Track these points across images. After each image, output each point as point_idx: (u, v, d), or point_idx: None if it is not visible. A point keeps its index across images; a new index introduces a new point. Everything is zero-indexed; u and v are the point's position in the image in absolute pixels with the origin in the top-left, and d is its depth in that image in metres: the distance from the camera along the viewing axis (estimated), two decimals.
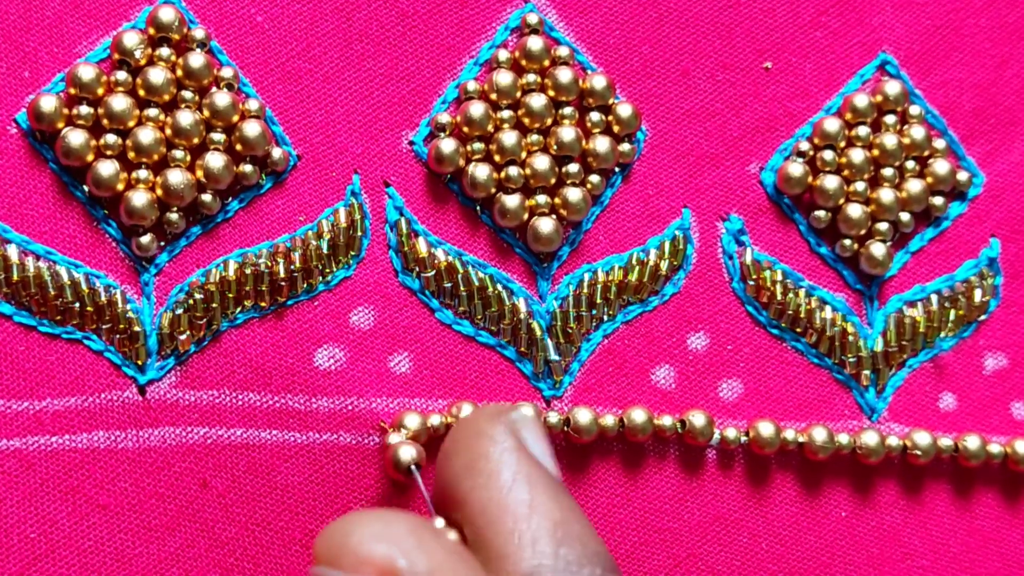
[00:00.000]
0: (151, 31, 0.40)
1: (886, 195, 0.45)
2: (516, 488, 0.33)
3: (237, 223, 0.40)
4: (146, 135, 0.39)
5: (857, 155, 0.45)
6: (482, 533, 0.33)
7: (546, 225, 0.42)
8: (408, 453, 0.38)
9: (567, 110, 0.42)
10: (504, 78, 0.42)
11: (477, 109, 0.41)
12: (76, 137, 0.38)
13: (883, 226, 0.45)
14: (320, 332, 0.40)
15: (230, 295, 0.40)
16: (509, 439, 0.35)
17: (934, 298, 0.46)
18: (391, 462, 0.38)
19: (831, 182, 0.44)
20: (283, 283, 0.40)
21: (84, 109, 0.39)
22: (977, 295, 0.46)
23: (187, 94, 0.40)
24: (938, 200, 0.46)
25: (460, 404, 0.40)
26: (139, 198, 0.39)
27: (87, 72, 0.39)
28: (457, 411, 0.40)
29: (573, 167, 0.42)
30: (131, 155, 0.39)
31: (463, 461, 0.34)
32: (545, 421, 0.40)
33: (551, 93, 0.42)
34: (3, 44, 0.39)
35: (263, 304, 0.40)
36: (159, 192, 0.39)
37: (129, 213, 0.39)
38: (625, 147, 0.43)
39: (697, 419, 0.42)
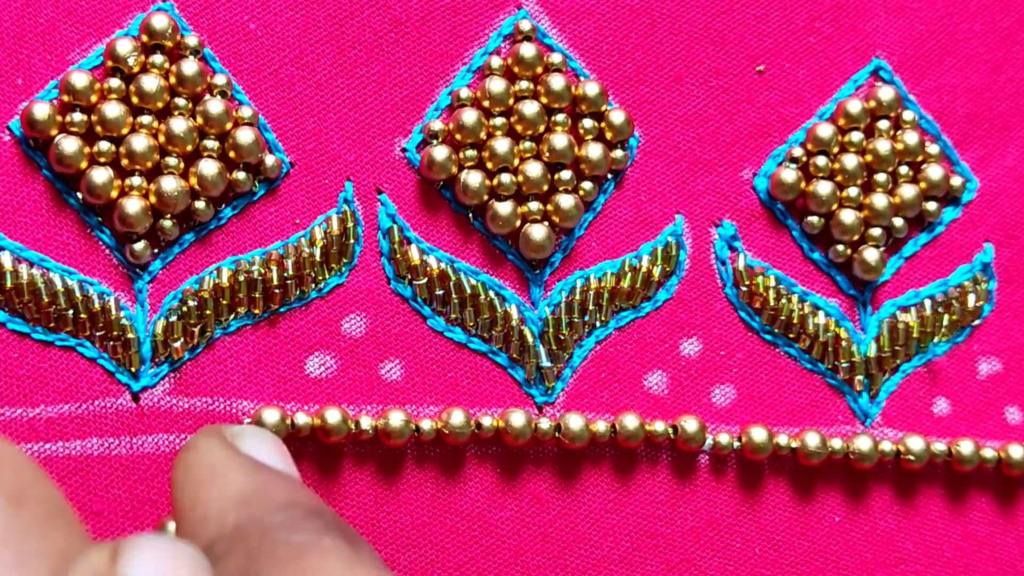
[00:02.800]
0: (144, 38, 0.40)
1: (879, 200, 0.45)
2: (208, 480, 0.32)
3: (230, 230, 0.40)
4: (139, 142, 0.39)
5: (850, 161, 0.45)
6: (182, 528, 0.32)
7: (538, 232, 0.42)
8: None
9: (560, 117, 0.42)
10: (497, 85, 0.42)
11: (470, 116, 0.42)
12: (69, 144, 0.39)
13: (876, 231, 0.45)
14: (312, 339, 0.40)
15: (224, 302, 0.40)
16: (216, 442, 0.33)
17: (928, 303, 0.46)
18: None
19: (824, 188, 0.44)
20: (276, 290, 0.40)
21: (77, 116, 0.39)
22: (971, 300, 0.46)
23: (180, 101, 0.40)
24: (932, 205, 0.46)
25: (451, 410, 0.40)
26: (132, 205, 0.39)
27: (80, 79, 0.39)
28: (448, 417, 0.40)
29: (566, 174, 0.42)
30: (124, 162, 0.39)
31: (174, 476, 0.33)
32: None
33: (544, 100, 0.42)
34: None
35: (256, 311, 0.40)
36: (152, 199, 0.39)
37: (122, 220, 0.39)
38: (618, 153, 0.43)
39: (689, 425, 0.42)
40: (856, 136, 0.45)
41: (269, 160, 0.40)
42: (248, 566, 0.29)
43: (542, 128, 0.42)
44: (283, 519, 0.30)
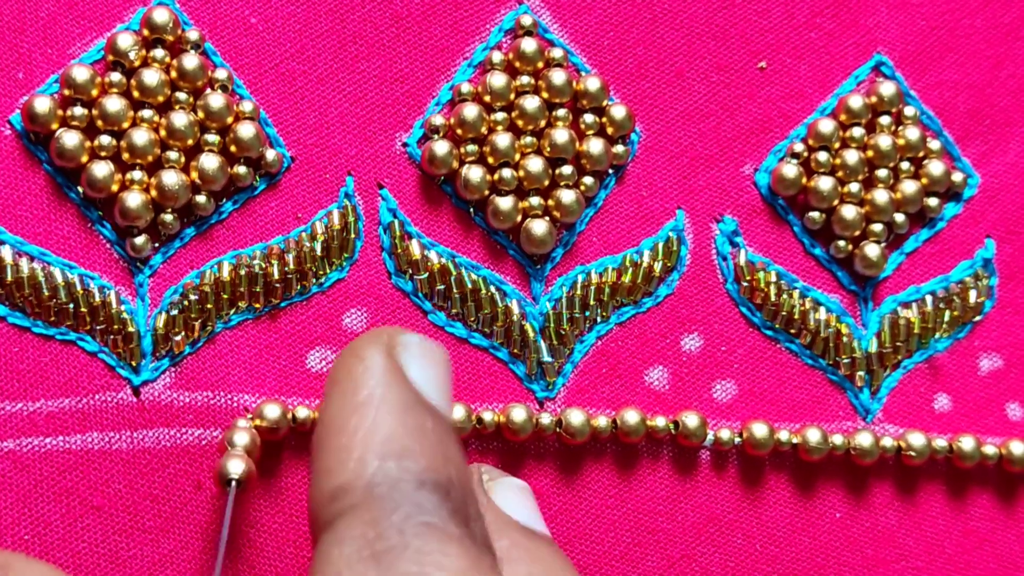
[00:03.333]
0: (145, 32, 0.40)
1: (880, 196, 0.45)
2: (362, 408, 0.31)
3: (231, 224, 0.40)
4: (140, 136, 0.39)
5: (851, 156, 0.45)
6: (315, 450, 0.31)
7: (539, 227, 0.42)
8: (236, 467, 0.36)
9: (561, 112, 0.42)
10: (498, 80, 0.42)
11: (471, 111, 0.42)
12: (70, 138, 0.39)
13: (877, 227, 0.45)
14: (313, 334, 0.40)
15: (224, 296, 0.40)
16: (378, 360, 0.32)
17: (929, 299, 0.46)
18: (216, 472, 0.37)
19: (825, 183, 0.44)
20: (277, 285, 0.40)
21: (78, 110, 0.39)
22: (972, 296, 0.46)
23: (181, 95, 0.40)
24: (933, 201, 0.46)
25: (452, 405, 0.40)
26: (133, 199, 0.39)
27: (81, 73, 0.39)
28: None
29: (567, 169, 0.42)
30: (125, 156, 0.39)
31: (331, 378, 0.33)
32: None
33: (545, 95, 0.42)
34: None
35: (257, 305, 0.40)
36: (153, 193, 0.39)
37: (123, 214, 0.39)
38: (619, 149, 0.43)
39: (690, 420, 0.42)
40: (857, 132, 0.45)
41: (270, 154, 0.40)
42: (375, 539, 0.29)
43: (543, 123, 0.42)
44: (417, 495, 0.30)
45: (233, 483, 0.36)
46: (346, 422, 0.31)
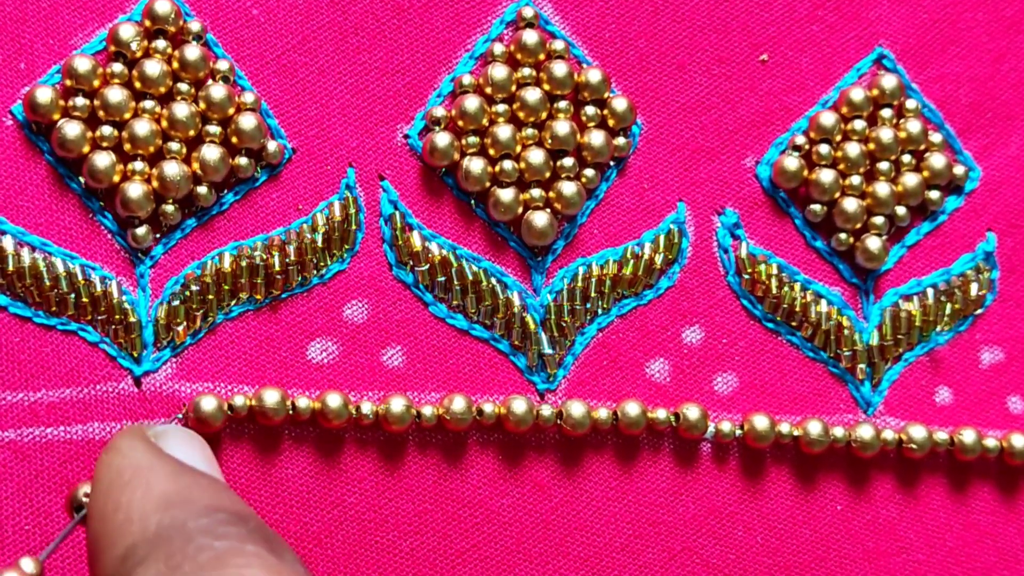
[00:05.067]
0: (147, 23, 0.40)
1: (882, 189, 0.45)
2: (131, 484, 0.32)
3: (232, 216, 0.40)
4: (142, 127, 0.39)
5: (853, 149, 0.45)
6: (94, 539, 0.32)
7: (540, 219, 0.42)
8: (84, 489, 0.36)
9: (562, 104, 0.42)
10: (499, 72, 0.42)
11: (472, 103, 0.42)
12: (72, 129, 0.39)
13: (879, 220, 0.45)
14: (314, 325, 0.40)
15: (226, 287, 0.40)
16: (138, 445, 0.33)
17: (930, 292, 0.46)
18: (68, 499, 0.36)
19: (827, 176, 0.44)
20: (278, 276, 0.40)
21: (80, 101, 0.39)
22: (973, 289, 0.46)
23: (183, 86, 0.40)
24: (934, 194, 0.46)
25: (452, 397, 0.40)
26: (135, 190, 0.39)
27: (83, 64, 0.39)
28: (449, 403, 0.40)
29: (568, 161, 0.42)
30: (127, 147, 0.39)
31: (95, 477, 0.33)
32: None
33: (546, 87, 0.42)
34: None
35: (258, 297, 0.40)
36: (155, 184, 0.39)
37: (125, 205, 0.39)
38: (620, 141, 0.43)
39: (691, 412, 0.42)
40: (859, 124, 0.45)
41: (271, 146, 0.40)
42: (169, 572, 0.29)
43: (544, 115, 0.42)
44: (206, 524, 0.30)
45: (83, 506, 0.36)
46: (119, 501, 0.32)
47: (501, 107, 0.42)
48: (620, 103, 0.43)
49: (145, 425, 0.35)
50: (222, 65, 0.40)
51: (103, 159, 0.39)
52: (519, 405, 0.41)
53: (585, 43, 0.43)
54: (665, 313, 0.43)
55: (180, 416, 0.38)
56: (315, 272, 0.40)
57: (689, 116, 0.44)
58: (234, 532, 0.30)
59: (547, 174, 0.42)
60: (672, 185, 0.44)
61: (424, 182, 0.42)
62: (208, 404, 0.38)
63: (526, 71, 0.42)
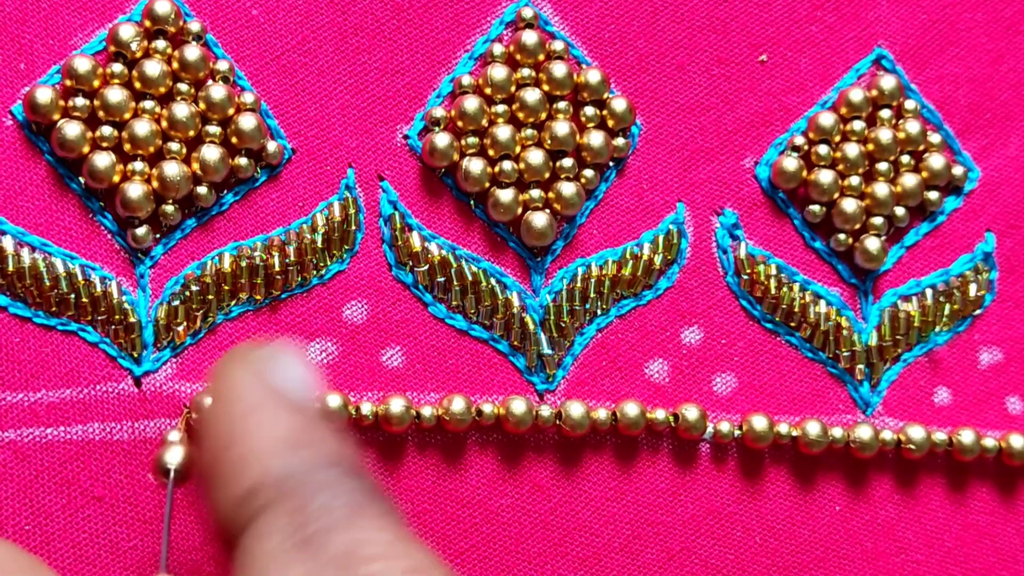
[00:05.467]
0: (147, 23, 0.40)
1: (881, 189, 0.45)
2: (245, 418, 0.31)
3: (232, 216, 0.40)
4: (142, 127, 0.39)
5: (852, 149, 0.45)
6: (210, 471, 0.31)
7: (540, 219, 0.42)
8: (175, 455, 0.36)
9: (561, 104, 0.42)
10: (499, 72, 0.42)
11: (471, 103, 0.42)
12: (72, 129, 0.39)
13: (878, 220, 0.45)
14: (313, 326, 0.40)
15: (225, 287, 0.40)
16: (244, 376, 0.32)
17: (929, 292, 0.46)
18: (154, 463, 0.36)
19: (826, 176, 0.44)
20: (278, 276, 0.40)
21: (80, 101, 0.39)
22: (972, 290, 0.46)
23: (183, 87, 0.40)
24: (933, 195, 0.46)
25: (452, 397, 0.40)
26: (135, 190, 0.39)
27: (83, 64, 0.39)
28: (448, 404, 0.40)
29: (567, 161, 0.42)
30: (127, 147, 0.39)
31: (209, 406, 0.33)
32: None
33: (545, 87, 0.42)
34: None
35: (258, 297, 0.40)
36: (155, 184, 0.39)
37: (125, 205, 0.39)
38: (619, 141, 0.43)
39: (690, 413, 0.42)
40: (858, 125, 0.45)
41: (271, 146, 0.40)
42: (300, 526, 0.29)
43: (544, 115, 0.42)
44: (329, 477, 0.30)
45: (171, 473, 0.36)
46: (237, 433, 0.31)
47: (500, 108, 0.42)
48: (619, 104, 0.43)
49: (254, 352, 0.33)
50: (222, 65, 0.40)
51: (103, 159, 0.39)
52: (518, 405, 0.41)
53: (584, 44, 0.44)
54: (664, 314, 0.43)
55: (184, 417, 0.38)
56: (315, 272, 0.41)
57: (688, 117, 0.44)
58: (358, 488, 0.30)
59: (546, 175, 0.42)
60: (671, 186, 0.44)
61: (424, 183, 0.42)
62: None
63: (525, 72, 0.42)
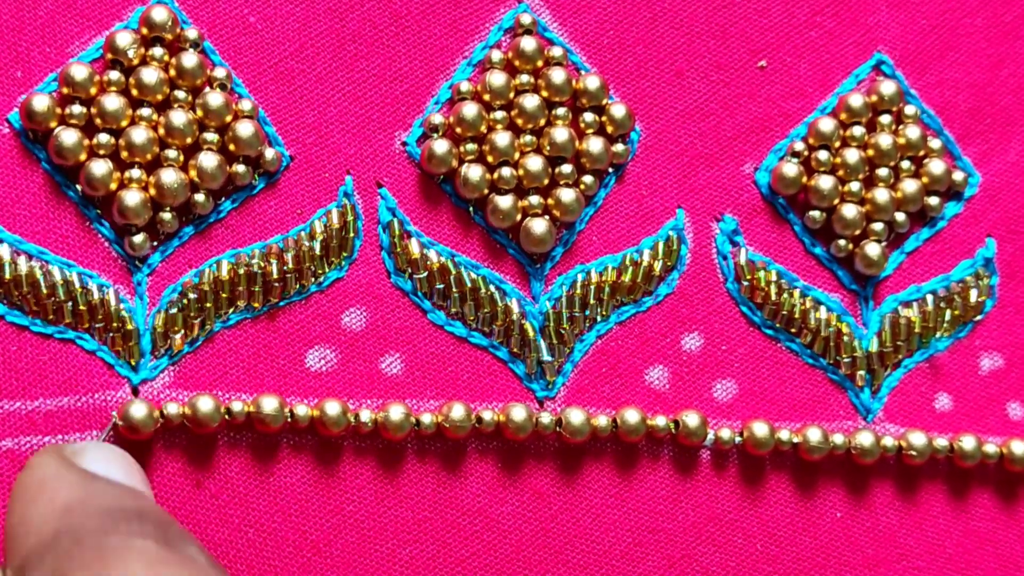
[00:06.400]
0: (144, 31, 0.40)
1: (881, 195, 0.45)
2: (37, 496, 0.32)
3: (230, 223, 0.40)
4: (139, 135, 0.39)
5: (852, 155, 0.45)
6: (4, 544, 0.32)
7: (539, 226, 0.42)
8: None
9: (560, 111, 0.42)
10: (497, 79, 0.42)
11: (470, 110, 0.41)
12: (69, 136, 0.38)
13: (878, 226, 0.45)
14: (312, 333, 0.40)
15: (223, 295, 0.40)
16: (49, 460, 0.34)
17: (930, 298, 0.46)
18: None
19: (826, 182, 0.44)
20: (276, 284, 0.40)
21: (77, 108, 0.39)
22: (973, 295, 0.46)
23: (180, 94, 0.40)
24: (934, 200, 0.46)
25: (451, 404, 0.40)
26: (132, 197, 0.39)
27: (80, 71, 0.39)
28: (448, 411, 0.40)
29: (566, 168, 0.42)
30: (124, 154, 0.39)
31: (10, 496, 0.33)
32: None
33: (544, 94, 0.42)
34: None
35: (256, 305, 0.40)
36: (152, 192, 0.39)
37: (122, 212, 0.39)
38: (619, 147, 0.43)
39: (691, 419, 0.42)
40: (858, 131, 0.45)
41: (269, 153, 0.40)
42: (55, 570, 0.29)
43: (543, 122, 0.42)
44: (98, 524, 0.31)
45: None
46: (24, 514, 0.32)
47: (499, 114, 0.42)
48: (619, 110, 0.43)
49: (63, 445, 0.35)
50: (219, 72, 0.40)
51: (100, 167, 0.39)
52: (518, 412, 0.41)
53: (583, 50, 0.43)
54: (664, 320, 0.43)
55: (111, 427, 0.38)
56: (313, 280, 0.40)
57: (688, 122, 0.44)
58: (124, 529, 0.30)
59: (545, 181, 0.42)
60: (671, 192, 0.44)
61: (422, 189, 0.42)
62: (206, 406, 0.38)
63: (524, 78, 0.42)
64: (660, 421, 0.42)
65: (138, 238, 0.39)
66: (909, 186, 0.45)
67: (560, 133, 0.42)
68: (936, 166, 0.45)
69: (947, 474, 0.45)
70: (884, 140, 0.45)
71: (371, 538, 0.40)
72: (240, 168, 0.40)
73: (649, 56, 0.44)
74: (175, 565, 0.30)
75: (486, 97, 0.42)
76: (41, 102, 0.38)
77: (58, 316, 0.38)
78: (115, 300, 0.39)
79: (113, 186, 0.39)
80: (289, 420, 0.39)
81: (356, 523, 0.40)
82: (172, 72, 0.40)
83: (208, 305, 0.39)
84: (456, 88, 0.42)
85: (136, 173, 0.39)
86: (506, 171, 0.42)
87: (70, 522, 0.31)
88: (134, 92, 0.39)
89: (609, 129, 0.43)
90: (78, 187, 0.39)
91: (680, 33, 0.44)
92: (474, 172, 0.41)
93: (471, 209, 0.42)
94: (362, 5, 0.42)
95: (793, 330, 0.44)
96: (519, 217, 0.42)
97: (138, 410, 0.38)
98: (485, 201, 0.42)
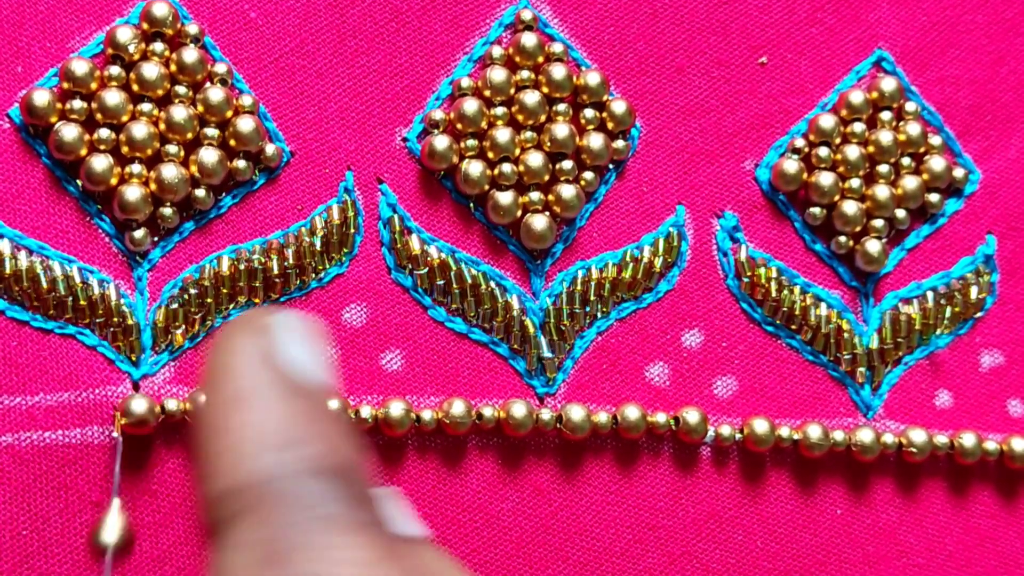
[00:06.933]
0: (145, 26, 0.40)
1: (882, 192, 0.45)
2: (242, 403, 0.29)
3: (230, 219, 0.40)
4: (139, 130, 0.39)
5: (852, 152, 0.45)
6: (200, 456, 0.29)
7: (539, 222, 0.42)
8: (111, 531, 0.36)
9: (561, 107, 0.42)
10: (498, 75, 0.42)
11: (471, 106, 0.41)
12: (69, 132, 0.38)
13: (879, 223, 0.45)
14: None
15: (224, 291, 0.40)
16: (250, 349, 0.30)
17: (930, 295, 0.46)
18: (90, 536, 0.37)
19: (826, 179, 0.44)
20: (276, 279, 0.40)
21: (77, 104, 0.39)
22: (973, 292, 0.46)
23: (181, 89, 0.40)
24: (934, 197, 0.46)
25: (452, 401, 0.40)
26: (132, 193, 0.39)
27: (80, 67, 0.39)
28: (448, 407, 0.40)
29: (567, 164, 0.42)
30: (124, 150, 0.39)
31: (206, 376, 0.30)
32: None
33: (545, 89, 0.42)
34: None
35: (256, 300, 0.40)
36: (152, 187, 0.39)
37: (122, 208, 0.39)
38: (619, 144, 0.43)
39: (691, 416, 0.42)
40: (858, 127, 0.45)
41: (269, 149, 0.40)
42: (273, 540, 0.27)
43: (543, 118, 0.42)
44: (315, 488, 0.28)
45: (109, 554, 0.36)
46: (227, 421, 0.29)
47: (500, 110, 0.42)
48: (619, 106, 0.43)
49: (258, 314, 0.31)
50: (220, 68, 0.40)
51: (100, 162, 0.39)
52: (518, 409, 0.41)
53: (584, 46, 0.43)
54: (664, 316, 0.43)
55: (116, 426, 0.38)
56: (313, 276, 0.40)
57: (688, 119, 0.44)
58: (342, 498, 0.28)
59: (546, 177, 0.42)
60: (671, 188, 0.44)
61: (423, 185, 0.42)
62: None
63: (525, 74, 0.42)
64: (660, 418, 0.42)
65: (139, 233, 0.39)
66: (909, 183, 0.45)
67: (561, 129, 0.42)
68: (936, 163, 0.46)
69: (947, 471, 0.45)
70: (885, 137, 0.45)
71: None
72: (241, 164, 0.40)
73: (650, 52, 0.44)
74: (394, 558, 0.27)
75: (487, 93, 0.42)
76: (42, 97, 0.38)
77: (59, 311, 0.38)
78: (116, 295, 0.39)
79: (114, 181, 0.39)
80: None
81: None
82: (173, 67, 0.39)
83: (208, 301, 0.39)
84: (457, 84, 0.42)
85: (137, 168, 0.39)
86: (506, 167, 0.42)
87: (284, 468, 0.28)
88: (135, 87, 0.39)
89: (610, 125, 0.43)
90: (79, 182, 0.39)
91: (681, 29, 0.44)
92: (474, 168, 0.41)
93: (471, 205, 0.42)
94: (363, 1, 0.42)
95: (793, 327, 0.44)
96: (519, 213, 0.42)
97: (139, 405, 0.38)
98: (485, 197, 0.42)
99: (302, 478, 0.28)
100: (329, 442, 0.29)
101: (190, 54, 0.39)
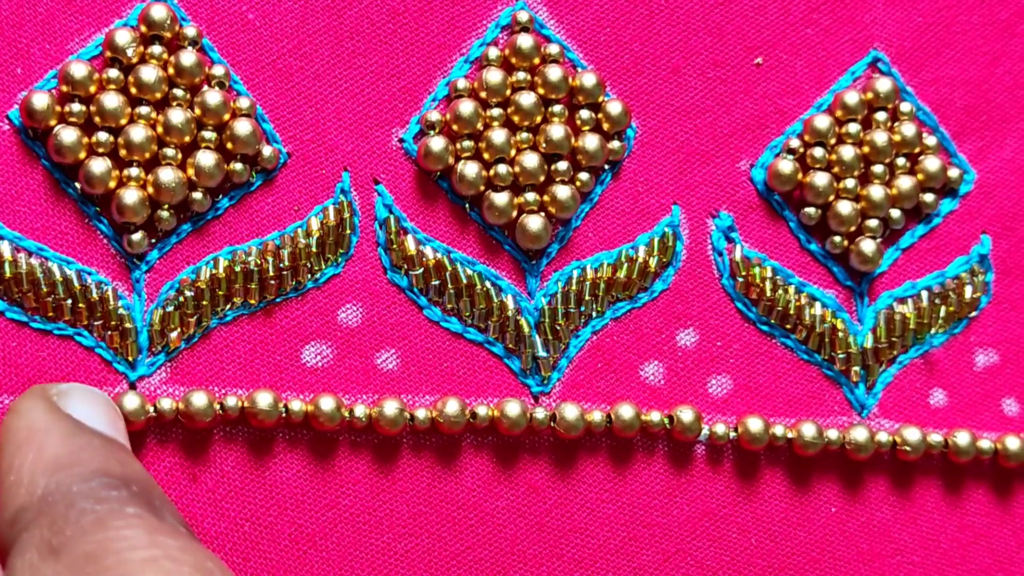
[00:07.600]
0: (143, 29, 0.40)
1: (876, 192, 0.45)
2: (26, 445, 0.33)
3: (227, 221, 0.40)
4: (138, 133, 0.39)
5: (847, 152, 0.45)
6: None
7: (535, 223, 0.42)
8: None
9: (557, 108, 0.42)
10: (494, 76, 0.42)
11: (467, 107, 0.42)
12: (68, 134, 0.39)
13: (873, 223, 0.45)
14: (308, 329, 0.40)
15: (220, 292, 0.40)
16: (37, 405, 0.35)
17: (925, 295, 0.46)
18: None
19: (821, 179, 0.44)
20: (272, 281, 0.40)
21: (76, 106, 0.39)
22: (968, 292, 0.46)
23: (178, 92, 0.40)
24: (929, 197, 0.46)
25: (446, 400, 0.40)
26: (130, 195, 0.39)
27: (79, 69, 0.39)
28: (443, 406, 0.40)
29: (562, 165, 0.42)
30: (123, 153, 0.39)
31: (2, 426, 0.34)
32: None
33: (541, 91, 0.42)
34: None
35: (252, 302, 0.40)
36: (150, 190, 0.39)
37: (120, 210, 0.39)
38: (615, 144, 0.43)
39: (685, 415, 0.42)
40: (853, 127, 0.45)
41: (266, 151, 0.40)
42: (52, 536, 0.30)
43: (539, 119, 0.42)
44: (89, 488, 0.31)
45: None
46: (12, 463, 0.33)
47: (496, 111, 0.42)
48: (615, 107, 0.43)
49: (48, 386, 0.36)
50: (218, 70, 0.40)
51: (99, 165, 0.39)
52: (513, 408, 0.41)
53: (580, 47, 0.44)
54: (659, 316, 0.43)
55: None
56: (309, 276, 0.41)
57: (684, 119, 0.44)
58: (115, 496, 0.31)
59: (541, 178, 0.42)
60: (666, 188, 0.44)
61: (419, 186, 0.42)
62: (199, 400, 0.39)
63: (521, 75, 0.42)
64: (655, 416, 0.42)
65: (136, 236, 0.39)
66: (904, 183, 0.45)
67: (556, 130, 0.42)
68: (931, 163, 0.46)
69: (942, 470, 0.46)
70: (880, 137, 0.45)
71: (366, 532, 0.40)
72: (238, 166, 0.40)
73: (645, 53, 0.44)
74: (166, 534, 0.30)
75: (483, 94, 0.42)
76: (41, 100, 0.39)
77: (57, 313, 0.39)
78: (113, 297, 0.39)
79: (112, 184, 0.39)
80: (284, 415, 0.39)
81: (351, 517, 0.40)
82: (171, 70, 0.40)
83: (205, 302, 0.40)
84: (453, 85, 0.42)
85: (135, 171, 0.39)
86: (502, 168, 0.42)
87: (60, 482, 0.32)
88: (133, 90, 0.39)
89: (605, 126, 0.43)
90: (77, 185, 0.39)
91: (676, 30, 0.44)
92: (470, 169, 0.42)
93: (467, 206, 0.42)
94: (360, 2, 0.42)
95: (788, 326, 0.44)
96: (515, 214, 0.42)
97: (131, 401, 0.38)
98: (481, 198, 0.42)
99: (78, 486, 0.32)
100: (109, 463, 0.33)
101: (188, 57, 0.40)
